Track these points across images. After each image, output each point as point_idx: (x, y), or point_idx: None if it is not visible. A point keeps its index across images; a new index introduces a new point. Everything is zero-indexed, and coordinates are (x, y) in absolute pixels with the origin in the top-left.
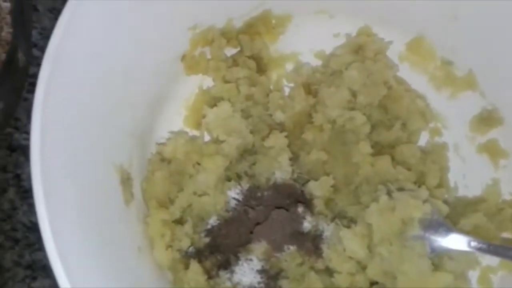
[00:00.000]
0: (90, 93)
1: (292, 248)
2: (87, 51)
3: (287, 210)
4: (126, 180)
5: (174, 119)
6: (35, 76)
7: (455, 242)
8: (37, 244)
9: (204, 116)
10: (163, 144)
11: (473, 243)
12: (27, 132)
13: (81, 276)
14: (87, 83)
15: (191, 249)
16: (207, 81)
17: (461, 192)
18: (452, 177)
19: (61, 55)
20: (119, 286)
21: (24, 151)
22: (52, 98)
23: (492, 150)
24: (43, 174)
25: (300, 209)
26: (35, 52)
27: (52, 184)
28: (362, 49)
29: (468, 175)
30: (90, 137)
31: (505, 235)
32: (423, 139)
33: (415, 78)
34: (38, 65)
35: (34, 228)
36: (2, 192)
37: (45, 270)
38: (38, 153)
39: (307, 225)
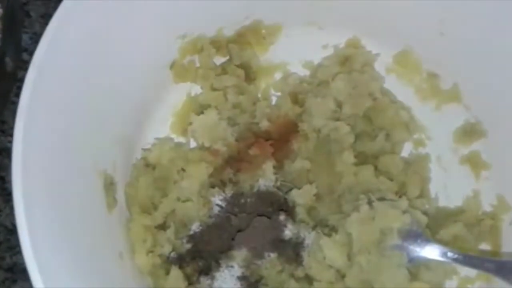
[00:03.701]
0: (76, 99)
1: (273, 255)
2: (74, 58)
3: (269, 217)
4: (109, 185)
5: (161, 126)
6: (23, 80)
7: (432, 252)
8: (18, 247)
9: (190, 123)
10: (148, 149)
11: (449, 254)
12: (13, 135)
13: (58, 281)
14: (73, 90)
15: (173, 254)
16: (196, 89)
17: (442, 203)
18: (434, 188)
19: (47, 61)
20: None
21: (9, 153)
22: (37, 103)
23: (474, 162)
24: (23, 176)
25: (282, 216)
26: (25, 56)
27: (32, 187)
28: (349, 60)
29: (449, 186)
30: (75, 143)
31: (484, 246)
32: (407, 149)
33: (402, 90)
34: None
35: (16, 231)
36: None
37: (26, 273)
38: (20, 155)
39: (288, 232)
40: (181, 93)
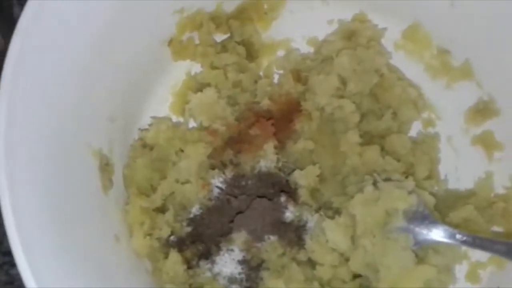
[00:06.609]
0: (62, 75)
1: (273, 238)
2: (62, 30)
3: (270, 199)
4: (105, 166)
5: (161, 106)
6: None
7: (440, 234)
8: None
9: (188, 102)
10: (145, 129)
11: (458, 236)
12: None
13: (48, 268)
14: (61, 64)
15: (172, 238)
16: (196, 68)
17: (452, 185)
18: (444, 170)
19: (33, 32)
20: (91, 275)
21: None
22: (21, 78)
23: (486, 142)
24: (7, 157)
25: (283, 198)
26: None
27: (17, 167)
28: (355, 35)
29: (460, 167)
30: (65, 120)
31: (496, 229)
32: (415, 129)
33: (411, 67)
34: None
35: None
36: None
37: None
38: (3, 133)
39: (289, 215)
40: (181, 72)
